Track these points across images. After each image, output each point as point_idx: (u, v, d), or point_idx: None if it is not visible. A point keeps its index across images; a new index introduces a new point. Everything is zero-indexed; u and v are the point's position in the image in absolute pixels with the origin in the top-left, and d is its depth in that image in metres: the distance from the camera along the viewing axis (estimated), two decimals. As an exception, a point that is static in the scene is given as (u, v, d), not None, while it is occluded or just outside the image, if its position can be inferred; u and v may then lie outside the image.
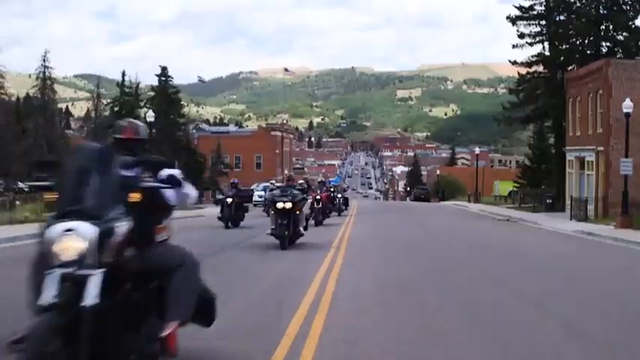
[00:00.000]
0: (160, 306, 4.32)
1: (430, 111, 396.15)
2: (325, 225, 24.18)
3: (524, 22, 43.26)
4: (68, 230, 3.59)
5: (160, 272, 4.35)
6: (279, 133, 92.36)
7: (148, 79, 78.88)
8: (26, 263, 3.97)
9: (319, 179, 17.81)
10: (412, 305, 8.43)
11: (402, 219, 30.93)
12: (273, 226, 14.98)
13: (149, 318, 4.27)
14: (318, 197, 24.63)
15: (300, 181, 19.63)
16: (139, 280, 4.10)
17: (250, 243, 16.60)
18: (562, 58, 41.96)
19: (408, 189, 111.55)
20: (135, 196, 4.12)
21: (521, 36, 43.20)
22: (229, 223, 22.26)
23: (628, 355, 5.94)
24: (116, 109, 60.23)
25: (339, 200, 31.25)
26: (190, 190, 4.63)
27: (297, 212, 15.01)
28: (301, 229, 15.44)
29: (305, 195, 16.35)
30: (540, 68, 43.63)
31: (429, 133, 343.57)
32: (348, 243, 16.84)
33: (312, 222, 21.24)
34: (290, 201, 14.77)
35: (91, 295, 3.55)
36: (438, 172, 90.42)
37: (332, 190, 30.23)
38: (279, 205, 14.74)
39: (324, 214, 25.48)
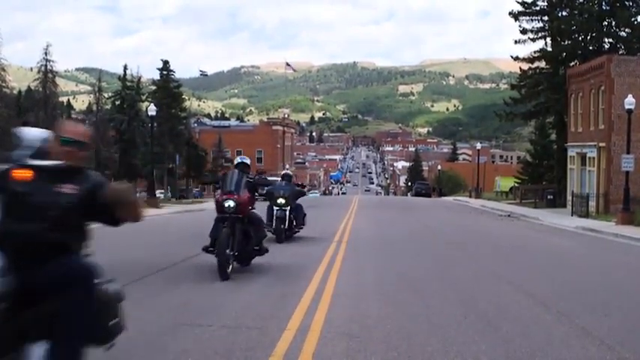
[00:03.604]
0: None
1: (432, 106, 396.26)
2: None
3: (527, 17, 43.22)
4: None
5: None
6: (280, 128, 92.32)
7: (150, 73, 78.78)
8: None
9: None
10: (414, 301, 8.44)
11: (403, 214, 30.89)
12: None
13: None
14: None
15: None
16: None
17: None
18: (564, 54, 41.89)
19: (409, 184, 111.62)
20: None
21: (524, 32, 43.16)
22: None
23: (630, 352, 5.94)
24: (117, 102, 60.32)
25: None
26: None
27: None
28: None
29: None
30: (542, 64, 43.57)
31: (430, 129, 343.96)
32: (349, 236, 16.86)
33: None
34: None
35: None
36: (439, 167, 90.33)
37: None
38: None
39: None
